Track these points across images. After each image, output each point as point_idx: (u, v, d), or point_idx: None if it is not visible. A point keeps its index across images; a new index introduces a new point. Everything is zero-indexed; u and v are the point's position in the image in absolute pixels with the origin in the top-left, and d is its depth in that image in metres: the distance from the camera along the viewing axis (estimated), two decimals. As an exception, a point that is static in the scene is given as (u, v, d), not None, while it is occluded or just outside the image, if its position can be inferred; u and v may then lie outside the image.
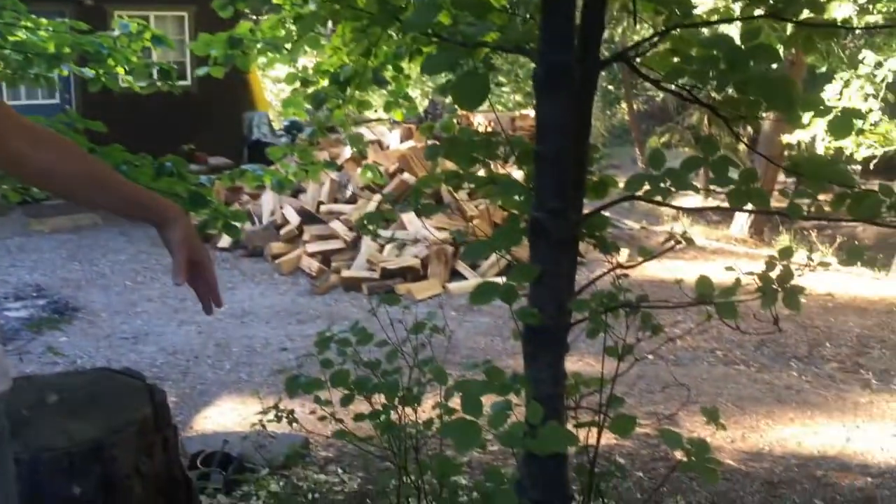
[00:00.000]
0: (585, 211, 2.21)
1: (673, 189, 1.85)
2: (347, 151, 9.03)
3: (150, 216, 1.42)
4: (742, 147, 11.94)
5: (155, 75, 4.70)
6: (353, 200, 8.80)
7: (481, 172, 2.62)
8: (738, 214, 10.40)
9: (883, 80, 9.92)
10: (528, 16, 2.59)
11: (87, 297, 7.19)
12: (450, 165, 2.66)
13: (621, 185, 2.26)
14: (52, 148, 1.32)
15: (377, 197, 8.42)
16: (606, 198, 2.35)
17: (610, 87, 18.52)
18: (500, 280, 1.96)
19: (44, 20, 4.42)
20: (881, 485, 4.01)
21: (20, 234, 9.08)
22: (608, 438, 2.24)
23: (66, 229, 9.28)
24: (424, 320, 2.50)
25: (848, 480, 4.07)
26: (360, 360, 2.42)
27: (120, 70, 4.38)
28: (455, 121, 3.98)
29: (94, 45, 4.19)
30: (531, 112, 10.37)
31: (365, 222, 2.75)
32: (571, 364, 2.20)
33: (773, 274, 1.90)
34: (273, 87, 19.40)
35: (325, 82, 4.07)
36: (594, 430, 2.19)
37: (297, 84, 4.24)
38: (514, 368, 1.95)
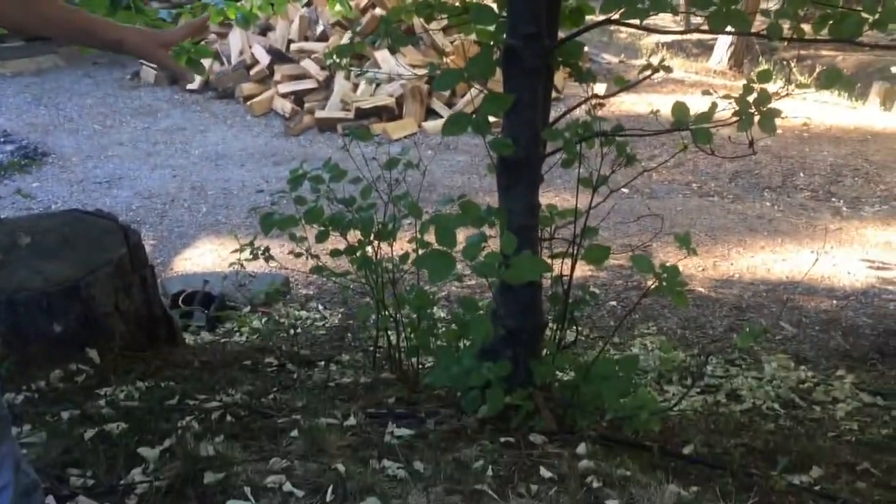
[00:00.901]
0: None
1: (652, 11, 1.78)
2: (317, -15, 8.63)
3: (103, 40, 1.34)
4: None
5: None
6: (324, 38, 8.49)
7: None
8: (717, 46, 10.18)
9: None
10: None
11: (56, 141, 7.03)
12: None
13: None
14: None
15: (349, 34, 8.13)
16: (582, 24, 2.28)
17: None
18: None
19: None
20: (846, 307, 4.17)
21: (-19, 78, 8.77)
22: (583, 269, 2.28)
23: (29, 72, 8.94)
24: (399, 156, 2.47)
25: (814, 303, 4.21)
26: (334, 198, 2.40)
27: None
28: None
29: None
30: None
31: (335, 56, 2.64)
32: (547, 199, 2.19)
33: (750, 98, 1.87)
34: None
35: None
36: (568, 261, 2.22)
37: None
38: (490, 205, 1.94)
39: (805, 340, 3.79)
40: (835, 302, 4.23)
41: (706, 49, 10.80)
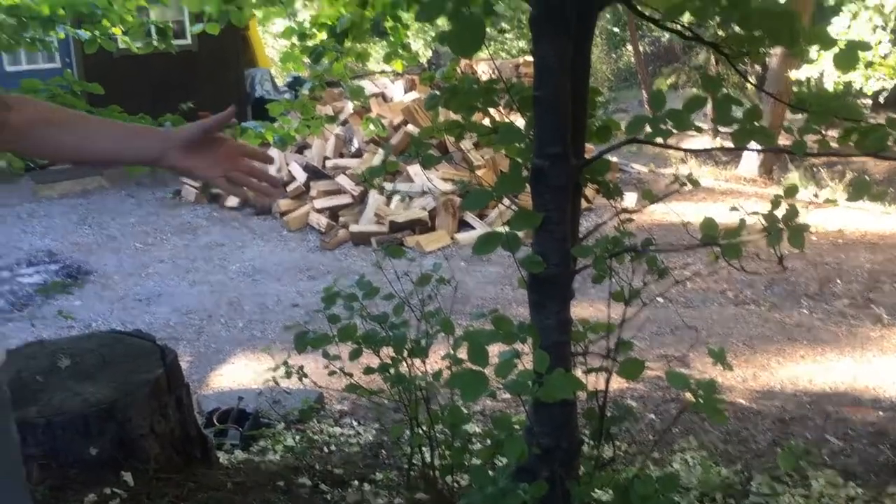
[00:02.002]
0: (589, 156, 2.19)
1: (674, 130, 1.83)
2: (351, 106, 8.96)
3: (142, 148, 1.27)
4: (750, 85, 11.77)
5: (152, 34, 4.65)
6: (358, 155, 8.76)
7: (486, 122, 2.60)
8: (746, 154, 10.30)
9: (892, 12, 9.71)
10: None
11: (99, 260, 7.22)
12: (454, 115, 2.64)
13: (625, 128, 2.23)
14: (23, 108, 1.24)
15: (382, 151, 8.37)
16: (611, 142, 2.33)
17: (615, 30, 18.22)
18: (506, 229, 1.95)
19: (37, -17, 4.36)
20: (893, 418, 4.03)
21: (29, 201, 9.11)
22: (619, 382, 2.24)
23: (75, 194, 9.29)
24: (431, 272, 2.50)
25: (860, 415, 4.08)
26: (367, 315, 2.42)
27: (116, 30, 4.34)
28: (457, 69, 3.92)
29: (88, 5, 4.14)
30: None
31: (368, 176, 2.72)
32: (581, 310, 2.19)
33: (779, 213, 1.88)
34: (275, 43, 19.21)
35: (323, 35, 4.02)
36: (603, 375, 2.20)
37: (295, 38, 4.18)
38: (524, 317, 1.95)
39: (853, 454, 3.65)
40: (881, 413, 4.10)
41: (735, 156, 10.93)
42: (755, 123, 1.86)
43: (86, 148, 1.26)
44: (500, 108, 2.60)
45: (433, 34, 14.82)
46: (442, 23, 3.84)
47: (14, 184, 9.39)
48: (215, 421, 3.69)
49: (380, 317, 2.40)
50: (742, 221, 1.86)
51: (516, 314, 2.10)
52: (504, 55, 16.25)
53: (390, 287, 2.48)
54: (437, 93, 2.81)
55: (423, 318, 2.41)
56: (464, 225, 7.86)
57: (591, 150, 2.30)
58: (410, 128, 8.46)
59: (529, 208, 2.02)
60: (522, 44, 17.21)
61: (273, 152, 8.92)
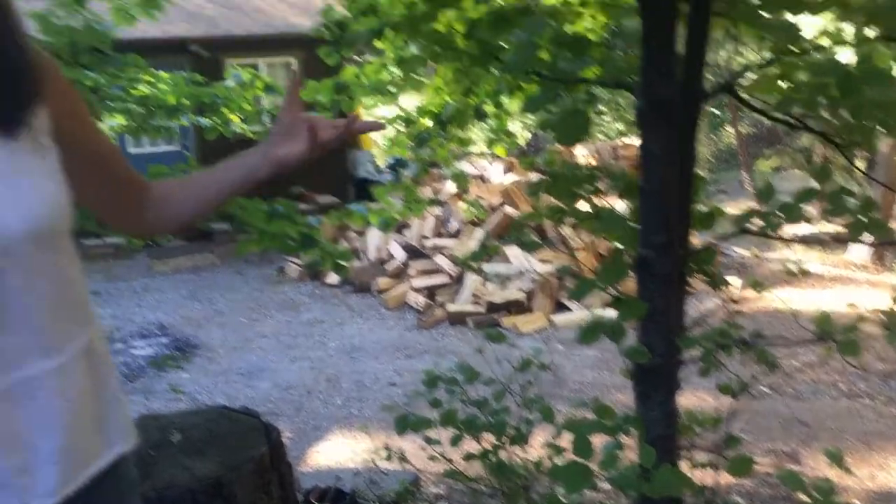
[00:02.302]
0: (693, 241, 2.17)
1: (785, 222, 1.80)
2: (450, 186, 9.13)
3: (250, 165, 1.29)
4: (858, 172, 11.40)
5: (267, 121, 4.91)
6: (456, 235, 8.88)
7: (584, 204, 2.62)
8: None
9: None
10: (627, 49, 2.59)
11: (207, 334, 7.49)
12: (553, 198, 2.67)
13: (728, 210, 2.21)
14: (156, 202, 1.33)
15: (480, 231, 8.47)
16: (714, 228, 2.30)
17: (716, 112, 18.08)
18: (607, 312, 1.94)
19: (164, 73, 4.70)
20: None
21: (144, 276, 9.57)
22: (726, 477, 2.17)
23: (187, 269, 9.72)
24: (530, 357, 2.50)
25: None
26: (467, 399, 2.43)
27: (234, 118, 4.60)
28: (556, 152, 3.98)
29: (210, 95, 4.42)
30: (634, 140, 10.25)
31: (468, 260, 2.77)
32: (684, 399, 2.14)
33: (897, 307, 1.82)
34: (365, 115, 19.84)
35: (427, 122, 4.16)
36: (710, 470, 2.13)
37: (401, 125, 4.34)
38: (623, 403, 1.92)
39: None
40: None
41: (845, 240, 10.53)
42: (869, 216, 1.82)
43: (212, 192, 1.31)
44: (601, 192, 2.61)
45: (532, 117, 15.07)
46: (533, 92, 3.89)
47: (132, 259, 9.91)
48: (313, 500, 3.72)
49: (480, 402, 2.41)
50: (860, 317, 1.80)
51: (615, 401, 2.07)
52: (602, 137, 16.34)
53: (489, 370, 2.49)
54: (539, 179, 2.86)
55: (524, 406, 2.40)
56: (560, 306, 7.80)
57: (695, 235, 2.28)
58: (509, 209, 8.55)
59: (631, 294, 2.01)
60: (620, 126, 17.26)
61: (373, 231, 9.15)
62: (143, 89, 4.44)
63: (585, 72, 2.41)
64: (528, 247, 2.68)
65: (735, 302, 2.19)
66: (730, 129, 18.05)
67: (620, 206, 2.64)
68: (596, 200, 2.60)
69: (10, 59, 1.07)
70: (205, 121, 4.53)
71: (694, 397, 4.42)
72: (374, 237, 9.21)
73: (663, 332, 1.94)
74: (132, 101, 4.23)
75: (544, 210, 2.92)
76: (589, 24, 4.43)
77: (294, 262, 9.33)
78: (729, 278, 6.90)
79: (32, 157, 1.08)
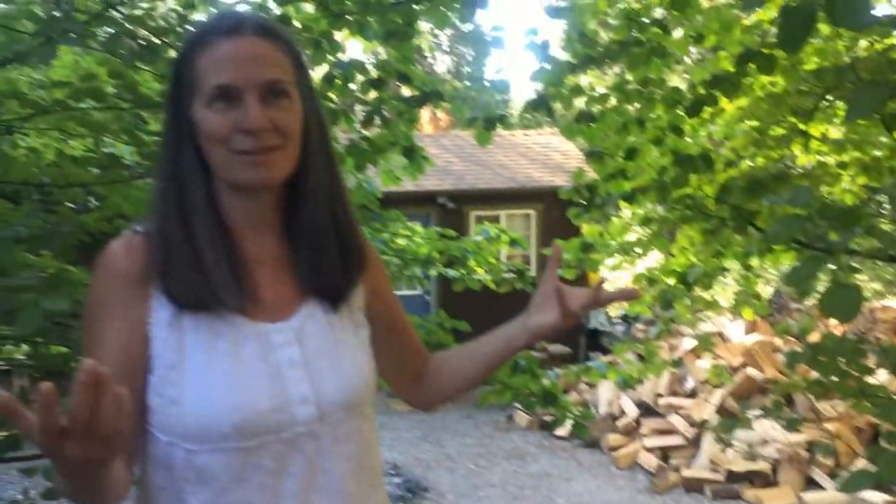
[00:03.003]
0: None
1: None
2: (687, 343, 8.84)
3: (511, 339, 1.33)
4: None
5: (508, 273, 5.09)
6: (693, 395, 8.49)
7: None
8: None
9: None
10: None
11: (435, 477, 7.61)
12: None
13: None
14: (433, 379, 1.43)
15: (719, 392, 8.04)
16: None
17: None
18: (867, 495, 1.77)
19: (419, 228, 5.08)
20: None
21: (382, 413, 9.97)
22: None
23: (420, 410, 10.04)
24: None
25: None
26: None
27: (480, 270, 4.84)
28: (813, 319, 3.77)
29: (460, 249, 4.70)
30: (893, 303, 9.44)
31: (722, 431, 2.65)
32: None
33: None
34: (608, 275, 19.84)
35: (670, 281, 4.13)
36: None
37: (643, 283, 4.33)
38: None
39: None
40: None
41: None
42: None
43: (480, 365, 1.37)
44: (869, 370, 2.44)
45: (773, 271, 14.37)
46: (787, 260, 3.74)
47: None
48: None
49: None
50: None
51: None
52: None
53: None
54: (794, 349, 2.72)
55: None
56: (811, 483, 7.11)
57: None
58: (751, 371, 8.08)
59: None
60: (877, 285, 15.96)
61: (605, 385, 8.99)
62: (401, 242, 4.82)
63: (852, 242, 2.32)
64: (790, 425, 2.53)
65: None
66: None
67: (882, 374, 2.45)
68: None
69: (344, 235, 1.24)
70: (453, 272, 4.80)
71: None
72: (605, 391, 9.05)
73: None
74: (391, 253, 4.59)
75: (801, 381, 2.76)
76: (846, 183, 4.27)
77: (522, 410, 9.34)
78: None
79: (349, 330, 1.22)
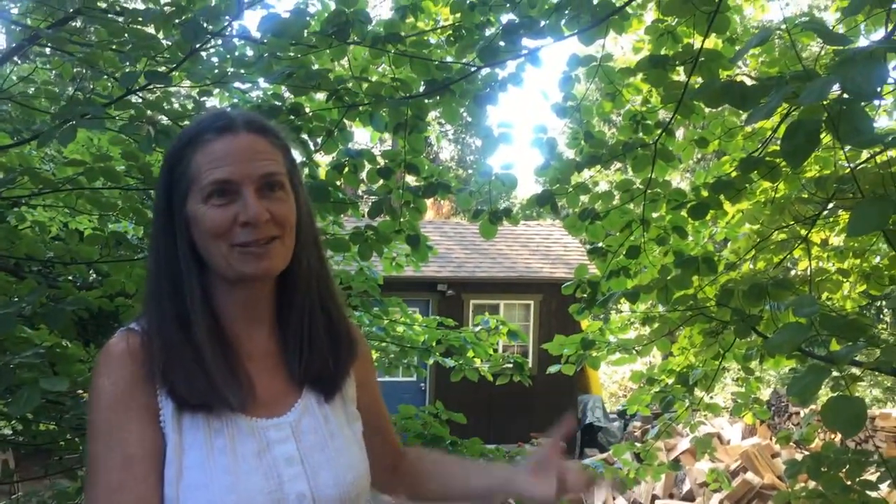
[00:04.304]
0: None
1: None
2: (684, 443, 8.71)
3: (492, 487, 1.32)
4: None
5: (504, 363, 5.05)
6: (689, 498, 8.31)
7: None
8: None
9: None
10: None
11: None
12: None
13: None
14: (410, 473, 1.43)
15: (716, 497, 7.88)
16: None
17: None
18: None
19: (418, 316, 5.07)
20: None
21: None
22: None
23: (409, 501, 9.82)
24: None
25: None
26: None
27: (477, 361, 4.80)
28: (815, 428, 3.73)
29: (459, 339, 4.68)
30: (892, 411, 9.34)
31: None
32: None
33: None
34: (606, 369, 19.73)
35: (670, 381, 4.09)
36: None
37: (643, 381, 4.30)
38: None
39: None
40: None
41: None
42: None
43: (456, 489, 1.36)
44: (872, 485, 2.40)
45: (772, 373, 14.26)
46: (787, 364, 3.71)
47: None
48: None
49: None
50: None
51: None
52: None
53: None
54: (794, 459, 2.68)
55: None
56: None
57: None
58: (749, 475, 7.93)
59: None
60: (877, 392, 15.81)
61: (602, 488, 8.80)
62: (400, 330, 4.80)
63: (855, 356, 2.31)
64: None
65: None
66: None
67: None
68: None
69: (334, 323, 1.24)
70: (451, 362, 4.76)
71: None
72: (601, 490, 8.85)
73: None
74: (390, 340, 4.57)
75: (802, 492, 2.71)
76: (847, 290, 4.28)
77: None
78: None
79: (344, 424, 1.21)
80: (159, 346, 1.11)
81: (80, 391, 2.48)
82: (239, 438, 1.09)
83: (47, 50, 3.29)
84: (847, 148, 2.95)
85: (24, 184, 2.57)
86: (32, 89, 3.09)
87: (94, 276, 3.46)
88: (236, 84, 3.25)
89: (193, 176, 1.12)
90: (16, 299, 2.02)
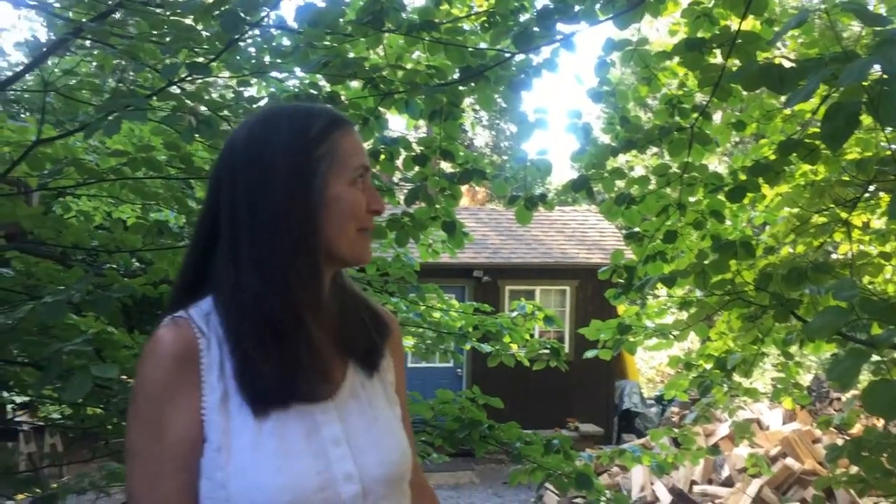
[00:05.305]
0: None
1: None
2: (723, 429, 8.65)
3: None
4: None
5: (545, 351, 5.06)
6: (728, 483, 8.26)
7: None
8: None
9: None
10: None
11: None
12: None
13: None
14: None
15: (756, 482, 7.81)
16: None
17: None
18: None
19: (455, 302, 5.09)
20: None
21: (406, 488, 9.84)
22: None
23: (448, 486, 9.88)
24: None
25: None
26: None
27: (514, 347, 4.81)
28: (857, 412, 3.69)
29: (496, 325, 4.69)
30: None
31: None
32: None
33: None
34: (644, 354, 19.61)
35: (708, 366, 4.07)
36: None
37: (680, 366, 4.28)
38: None
39: None
40: None
41: None
42: None
43: None
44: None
45: (814, 358, 14.07)
46: (828, 349, 3.67)
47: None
48: None
49: None
50: None
51: None
52: None
53: None
54: (834, 444, 2.66)
55: None
56: (852, 582, 6.83)
57: None
58: (790, 461, 7.86)
59: None
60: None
61: (639, 469, 8.78)
62: (437, 315, 4.82)
63: (897, 337, 2.28)
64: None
65: None
66: None
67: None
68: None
69: (367, 299, 1.28)
70: (487, 347, 4.78)
71: None
72: (638, 474, 8.83)
73: None
74: (427, 326, 4.60)
75: (843, 477, 2.70)
76: (889, 273, 4.22)
77: (553, 491, 9.14)
78: None
79: (385, 406, 1.23)
80: (235, 339, 1.11)
81: (125, 377, 2.55)
82: (287, 420, 1.11)
83: (87, 42, 3.35)
84: (888, 129, 2.91)
85: (69, 174, 2.64)
86: (73, 81, 3.15)
87: (137, 264, 3.53)
88: (274, 73, 3.29)
89: (340, 156, 1.16)
90: (63, 287, 2.08)
